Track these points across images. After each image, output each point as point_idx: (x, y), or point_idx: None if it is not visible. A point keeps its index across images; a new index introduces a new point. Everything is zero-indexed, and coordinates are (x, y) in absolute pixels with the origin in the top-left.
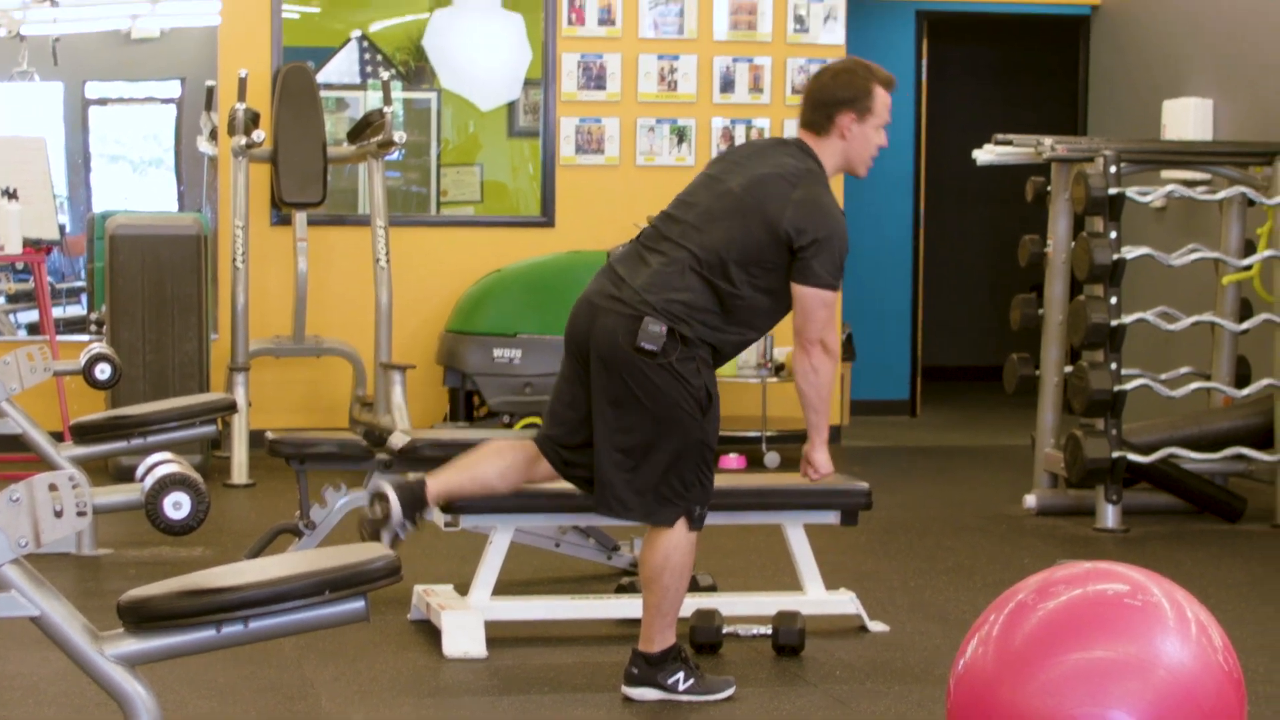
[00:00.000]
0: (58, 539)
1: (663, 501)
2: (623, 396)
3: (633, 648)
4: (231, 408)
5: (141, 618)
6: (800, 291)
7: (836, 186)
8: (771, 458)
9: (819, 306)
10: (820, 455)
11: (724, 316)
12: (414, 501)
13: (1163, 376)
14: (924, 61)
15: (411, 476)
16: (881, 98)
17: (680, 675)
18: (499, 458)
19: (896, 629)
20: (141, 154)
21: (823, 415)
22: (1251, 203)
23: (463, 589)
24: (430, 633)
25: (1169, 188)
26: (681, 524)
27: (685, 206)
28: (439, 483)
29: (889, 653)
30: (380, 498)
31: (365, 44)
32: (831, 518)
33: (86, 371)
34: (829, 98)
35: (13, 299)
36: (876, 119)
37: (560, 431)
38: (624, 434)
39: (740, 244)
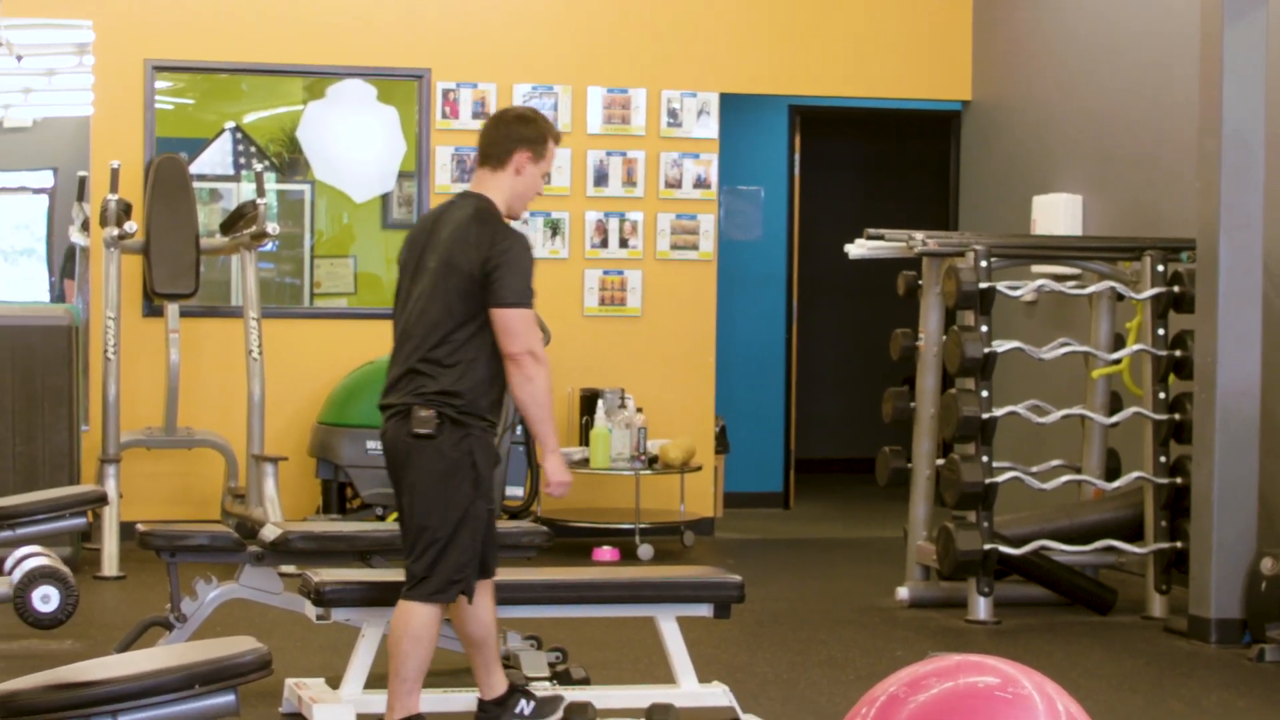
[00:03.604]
0: None
1: None
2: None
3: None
4: (102, 500)
5: (9, 712)
6: (497, 314)
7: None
8: (645, 550)
9: (516, 323)
10: (550, 463)
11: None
12: None
13: (1034, 469)
14: (796, 156)
15: None
16: (552, 148)
17: None
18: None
19: None
20: (12, 244)
21: (546, 424)
22: (1120, 297)
23: (334, 682)
24: None
25: (1039, 282)
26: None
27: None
28: None
29: None
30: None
31: (239, 135)
32: (705, 610)
33: None
34: (513, 134)
35: None
36: (546, 164)
37: None
38: None
39: (445, 315)
